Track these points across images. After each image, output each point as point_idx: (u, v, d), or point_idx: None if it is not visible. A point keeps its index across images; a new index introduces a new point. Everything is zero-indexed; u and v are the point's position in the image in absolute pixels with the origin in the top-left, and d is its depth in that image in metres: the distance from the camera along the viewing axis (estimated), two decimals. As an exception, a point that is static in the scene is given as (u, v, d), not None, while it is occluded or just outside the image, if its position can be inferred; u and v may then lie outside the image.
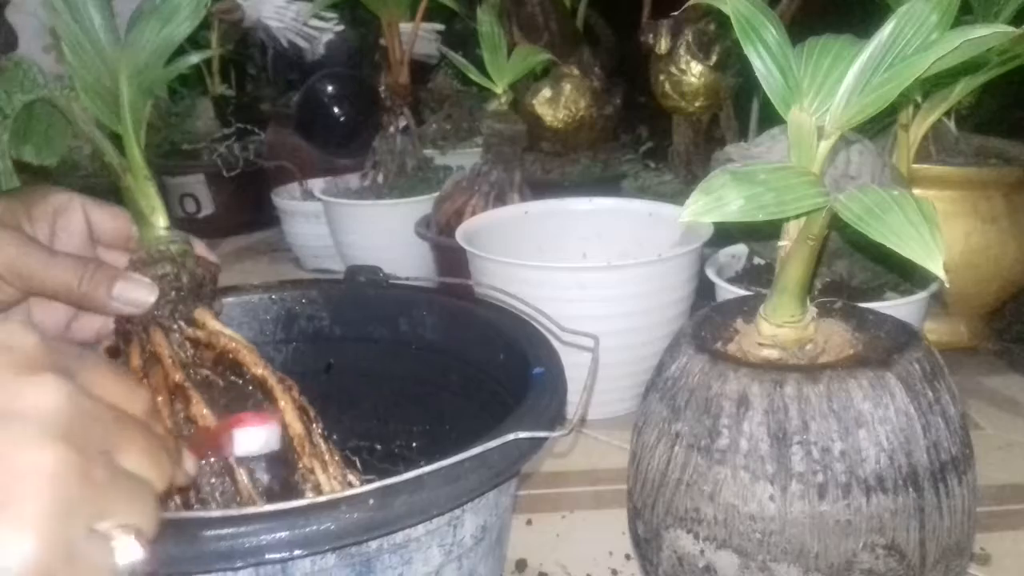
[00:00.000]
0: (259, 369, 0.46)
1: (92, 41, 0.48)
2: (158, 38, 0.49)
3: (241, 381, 0.47)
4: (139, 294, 0.46)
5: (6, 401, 0.27)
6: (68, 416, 0.28)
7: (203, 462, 0.43)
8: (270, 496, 0.43)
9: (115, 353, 0.49)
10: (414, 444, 0.62)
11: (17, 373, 0.28)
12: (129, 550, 0.29)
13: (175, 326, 0.47)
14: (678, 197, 0.94)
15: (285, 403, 0.45)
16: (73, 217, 0.49)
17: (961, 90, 0.73)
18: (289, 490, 0.44)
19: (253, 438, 0.43)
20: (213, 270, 0.50)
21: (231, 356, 0.46)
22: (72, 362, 0.31)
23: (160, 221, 0.49)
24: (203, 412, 0.44)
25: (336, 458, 0.46)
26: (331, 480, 0.44)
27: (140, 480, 0.31)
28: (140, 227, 0.49)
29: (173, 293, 0.47)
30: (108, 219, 0.50)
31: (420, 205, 1.08)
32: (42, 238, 0.48)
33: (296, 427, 0.44)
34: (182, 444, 0.38)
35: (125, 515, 0.29)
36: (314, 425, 0.46)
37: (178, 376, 0.45)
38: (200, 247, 0.51)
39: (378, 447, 0.61)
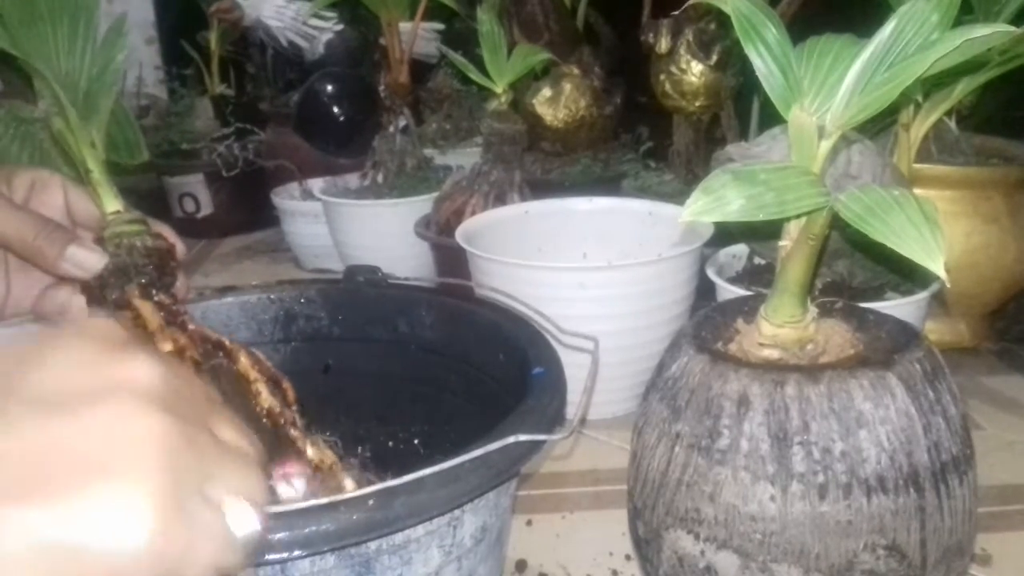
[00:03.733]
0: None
1: None
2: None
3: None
4: (89, 259, 0.48)
5: (105, 376, 0.28)
6: (165, 389, 0.28)
7: None
8: None
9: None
10: (415, 442, 0.61)
11: (111, 351, 0.29)
12: (244, 519, 0.29)
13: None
14: (678, 197, 0.94)
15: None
16: (52, 194, 0.50)
17: (962, 90, 0.73)
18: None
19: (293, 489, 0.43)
20: (161, 255, 0.50)
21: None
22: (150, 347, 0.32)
23: (108, 206, 0.50)
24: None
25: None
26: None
27: (242, 450, 0.31)
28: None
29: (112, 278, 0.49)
30: (84, 201, 0.51)
31: (420, 205, 1.08)
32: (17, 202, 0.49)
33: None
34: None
35: (234, 482, 0.29)
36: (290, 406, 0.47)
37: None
38: (162, 228, 0.52)
39: (377, 448, 0.61)
